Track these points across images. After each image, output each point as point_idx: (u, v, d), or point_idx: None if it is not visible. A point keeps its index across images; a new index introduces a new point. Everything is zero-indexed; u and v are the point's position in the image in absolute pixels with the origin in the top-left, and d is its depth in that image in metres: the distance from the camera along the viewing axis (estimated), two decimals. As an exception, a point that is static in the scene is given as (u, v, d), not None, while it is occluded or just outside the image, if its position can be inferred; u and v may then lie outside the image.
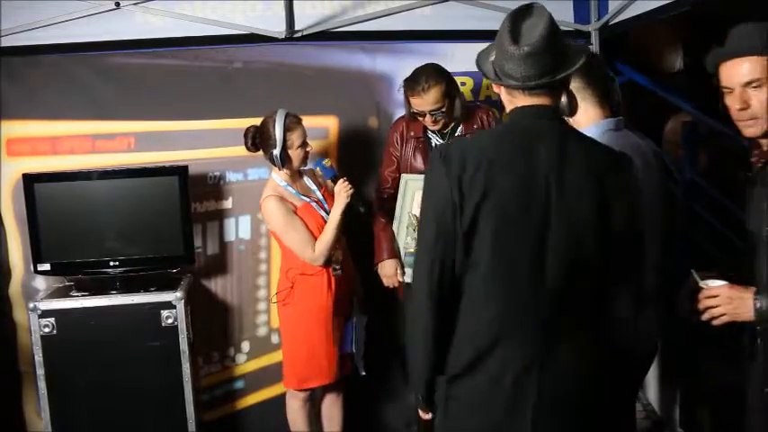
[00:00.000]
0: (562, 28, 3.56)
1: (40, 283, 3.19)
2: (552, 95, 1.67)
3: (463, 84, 3.43)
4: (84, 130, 3.20)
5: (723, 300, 1.81)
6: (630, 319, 1.71)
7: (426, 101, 2.81)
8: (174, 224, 3.01)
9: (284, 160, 2.82)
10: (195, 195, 3.19)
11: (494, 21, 3.31)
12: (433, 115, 2.84)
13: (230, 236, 3.35)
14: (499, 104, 3.45)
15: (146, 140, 3.23)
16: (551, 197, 1.60)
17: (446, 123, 2.92)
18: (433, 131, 2.97)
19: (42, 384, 2.87)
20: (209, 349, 3.35)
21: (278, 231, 2.85)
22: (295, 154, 2.83)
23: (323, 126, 3.34)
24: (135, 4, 3.11)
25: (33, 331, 2.87)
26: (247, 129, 2.89)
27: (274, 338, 3.39)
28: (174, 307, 2.90)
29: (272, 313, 3.39)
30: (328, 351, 2.89)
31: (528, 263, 1.61)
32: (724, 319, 1.82)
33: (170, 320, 2.90)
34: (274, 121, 2.78)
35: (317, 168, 2.93)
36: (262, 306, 3.41)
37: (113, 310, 2.89)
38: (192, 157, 3.22)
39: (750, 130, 1.79)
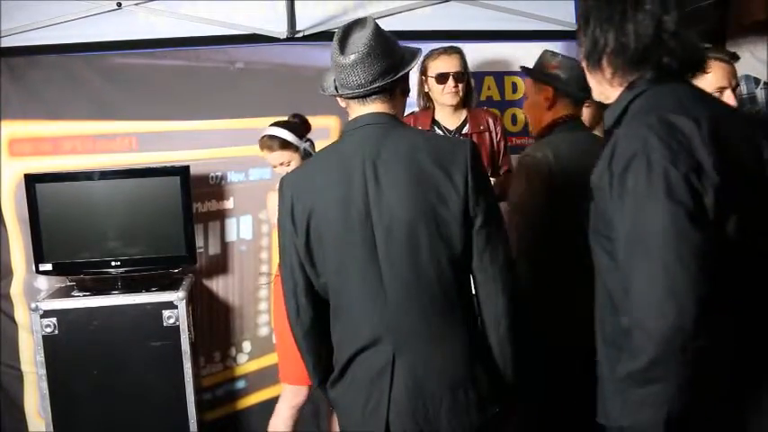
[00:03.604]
0: (563, 28, 3.56)
1: (42, 283, 3.20)
2: (386, 101, 1.67)
3: (464, 84, 3.44)
4: (86, 131, 3.21)
5: None
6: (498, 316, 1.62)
7: (452, 61, 2.93)
8: (176, 224, 3.01)
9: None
10: (197, 195, 3.19)
11: (494, 21, 3.34)
12: (456, 79, 2.92)
13: (232, 236, 3.35)
14: (501, 104, 3.50)
15: (147, 141, 3.24)
16: (370, 205, 1.59)
17: (461, 101, 2.98)
18: (440, 127, 2.99)
19: (44, 384, 2.87)
20: (211, 349, 3.35)
21: None
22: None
23: (324, 126, 3.34)
24: (136, 4, 3.11)
25: (35, 331, 2.87)
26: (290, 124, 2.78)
27: (276, 338, 3.39)
28: (176, 307, 2.91)
29: (273, 313, 3.39)
30: None
31: (362, 274, 1.61)
32: None
33: (171, 320, 2.91)
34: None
35: None
36: (263, 306, 3.41)
37: (115, 310, 2.89)
38: (194, 157, 3.23)
39: None
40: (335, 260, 1.63)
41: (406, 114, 3.12)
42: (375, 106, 1.66)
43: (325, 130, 3.34)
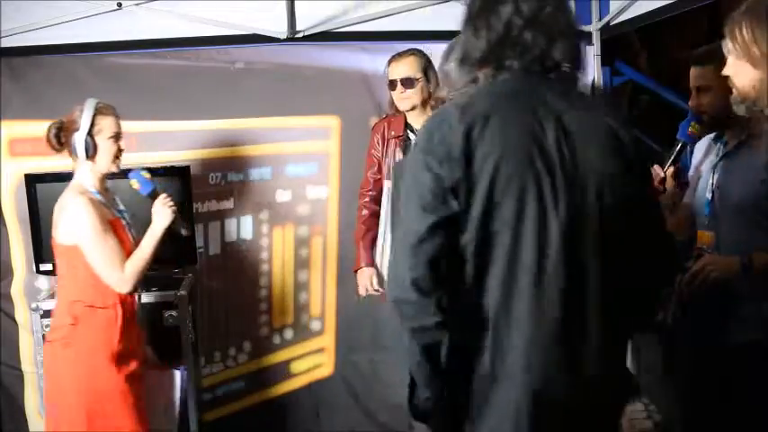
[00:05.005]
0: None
1: (43, 283, 3.19)
2: None
3: (464, 84, 3.44)
4: (86, 131, 3.21)
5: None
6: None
7: (400, 68, 2.80)
8: (176, 224, 3.00)
9: (90, 149, 2.32)
10: (197, 195, 3.19)
11: (495, 21, 3.33)
12: (404, 85, 2.80)
13: (232, 236, 3.35)
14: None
15: (147, 140, 3.23)
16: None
17: (414, 105, 2.83)
18: (413, 131, 2.86)
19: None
20: (211, 349, 3.36)
21: (86, 240, 2.28)
22: (105, 145, 2.35)
23: (325, 126, 3.35)
24: (137, 4, 3.11)
25: (35, 331, 2.87)
26: (50, 124, 2.40)
27: (276, 339, 3.40)
28: (176, 306, 2.90)
29: (273, 313, 3.40)
30: (121, 406, 2.32)
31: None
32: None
33: (171, 320, 2.90)
34: (82, 108, 2.36)
35: (134, 180, 2.47)
36: (263, 306, 3.41)
37: (115, 310, 2.89)
38: (194, 157, 3.23)
39: None
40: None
41: (381, 118, 3.08)
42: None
43: (325, 130, 3.34)
